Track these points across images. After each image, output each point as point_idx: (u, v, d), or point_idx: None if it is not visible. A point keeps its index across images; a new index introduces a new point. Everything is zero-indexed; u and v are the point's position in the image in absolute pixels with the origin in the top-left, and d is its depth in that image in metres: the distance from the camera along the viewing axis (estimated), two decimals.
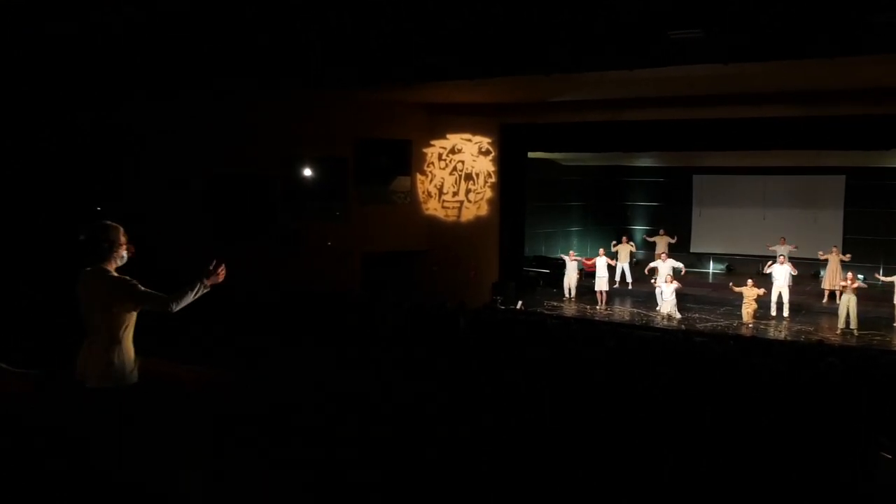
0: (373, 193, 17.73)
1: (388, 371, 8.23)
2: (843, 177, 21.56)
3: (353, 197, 17.38)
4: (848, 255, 18.08)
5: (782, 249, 19.33)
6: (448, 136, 18.63)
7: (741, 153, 18.52)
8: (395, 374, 8.13)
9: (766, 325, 15.99)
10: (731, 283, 16.64)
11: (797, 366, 9.08)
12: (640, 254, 24.00)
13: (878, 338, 14.74)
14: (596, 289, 18.32)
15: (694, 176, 23.76)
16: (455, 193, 18.72)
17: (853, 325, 15.03)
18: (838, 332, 15.08)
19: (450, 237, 18.61)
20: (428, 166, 18.71)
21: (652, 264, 18.21)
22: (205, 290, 5.00)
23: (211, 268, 5.02)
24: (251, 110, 16.12)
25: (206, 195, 16.29)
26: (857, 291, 15.26)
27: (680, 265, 17.75)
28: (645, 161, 23.22)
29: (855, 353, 11.31)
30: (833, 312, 16.09)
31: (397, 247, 18.01)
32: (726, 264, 23.39)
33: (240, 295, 11.52)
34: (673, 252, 19.90)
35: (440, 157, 18.70)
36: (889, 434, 6.64)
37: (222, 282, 5.06)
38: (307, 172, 16.91)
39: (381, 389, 7.19)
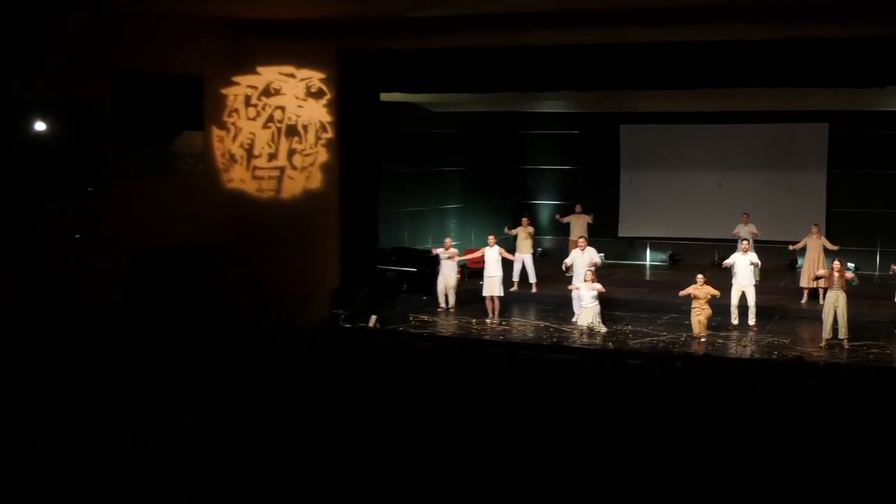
0: (145, 158, 17.23)
1: (161, 436, 8.07)
2: (826, 125, 22.64)
3: (114, 163, 16.85)
4: (836, 245, 18.83)
5: (745, 231, 20.12)
6: (260, 69, 18.32)
7: (687, 93, 19.07)
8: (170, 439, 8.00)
9: (725, 338, 16.63)
10: (681, 292, 17.03)
11: (768, 393, 9.42)
12: (548, 241, 24.46)
13: (876, 350, 15.60)
14: (485, 294, 18.51)
15: (621, 126, 24.37)
16: (272, 156, 18.44)
17: (842, 333, 15.83)
18: (823, 343, 15.86)
19: (266, 222, 18.34)
20: (230, 116, 18.35)
21: (568, 259, 18.52)
22: None
23: None
24: None
25: None
26: (847, 287, 16.07)
27: (598, 257, 18.20)
28: (551, 105, 23.62)
29: (845, 372, 11.89)
30: (815, 317, 16.90)
31: (186, 239, 17.58)
32: (669, 253, 24.16)
33: None
34: (593, 237, 20.35)
35: (249, 102, 18.37)
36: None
37: None
38: (39, 126, 16.27)
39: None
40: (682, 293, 16.83)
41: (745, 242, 18.11)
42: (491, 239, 18.91)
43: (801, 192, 22.70)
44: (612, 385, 9.65)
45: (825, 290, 16.73)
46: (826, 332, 15.90)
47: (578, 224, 21.79)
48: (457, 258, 19.20)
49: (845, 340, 15.80)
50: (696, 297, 16.50)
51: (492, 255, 18.53)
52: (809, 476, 7.46)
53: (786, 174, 22.92)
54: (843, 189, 22.56)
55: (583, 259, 18.03)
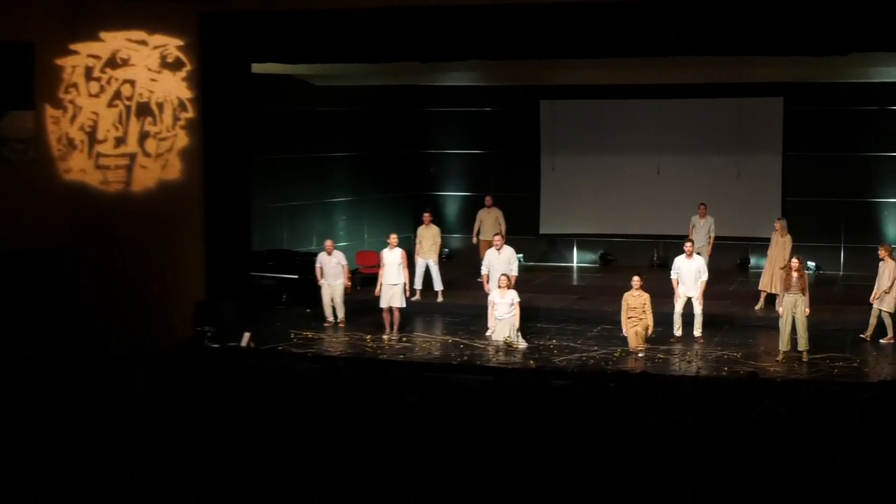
0: None
1: None
2: (781, 100, 23.00)
3: None
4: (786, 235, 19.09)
5: (702, 225, 20.29)
6: (103, 35, 18.08)
7: (619, 63, 19.23)
8: None
9: (666, 352, 16.83)
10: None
11: (717, 416, 9.53)
12: (456, 240, 24.48)
13: (841, 363, 15.92)
14: (382, 305, 18.47)
15: (542, 102, 24.49)
16: (120, 141, 18.21)
17: (802, 344, 16.12)
18: (780, 357, 16.13)
19: (113, 221, 18.09)
20: (67, 92, 18.08)
21: (484, 265, 18.50)
22: None
23: None
24: None
25: None
26: (806, 289, 16.33)
27: (516, 258, 18.27)
28: (458, 78, 23.65)
29: (806, 389, 12.10)
30: (772, 326, 17.17)
31: (14, 242, 17.30)
32: (600, 253, 24.37)
33: None
34: (508, 235, 20.39)
35: (90, 75, 18.11)
36: None
37: None
38: None
39: None
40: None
41: (688, 245, 18.00)
42: (392, 239, 18.75)
43: (754, 178, 23.00)
44: (534, 410, 9.68)
45: (783, 293, 16.79)
46: (784, 344, 16.15)
47: (490, 219, 21.78)
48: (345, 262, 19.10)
49: (805, 352, 16.07)
50: (630, 307, 16.66)
51: (392, 259, 18.42)
52: None
53: (735, 157, 23.20)
54: (802, 174, 22.89)
55: (499, 261, 18.05)
